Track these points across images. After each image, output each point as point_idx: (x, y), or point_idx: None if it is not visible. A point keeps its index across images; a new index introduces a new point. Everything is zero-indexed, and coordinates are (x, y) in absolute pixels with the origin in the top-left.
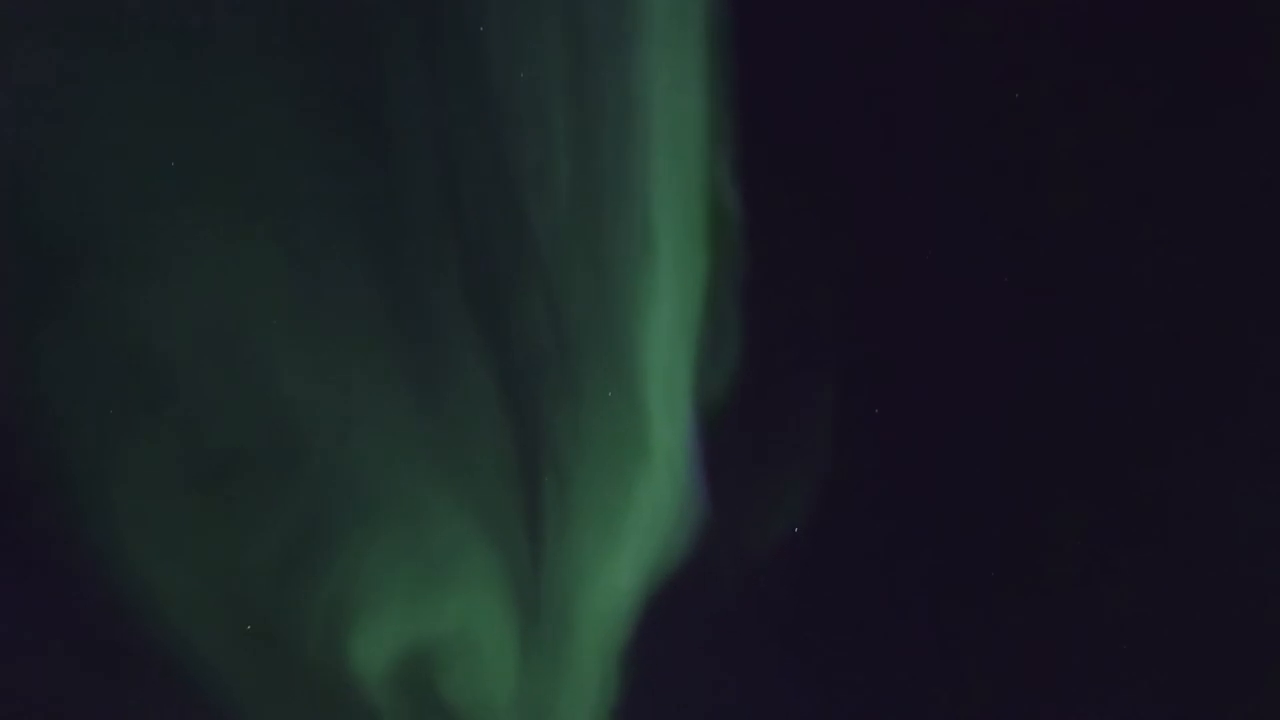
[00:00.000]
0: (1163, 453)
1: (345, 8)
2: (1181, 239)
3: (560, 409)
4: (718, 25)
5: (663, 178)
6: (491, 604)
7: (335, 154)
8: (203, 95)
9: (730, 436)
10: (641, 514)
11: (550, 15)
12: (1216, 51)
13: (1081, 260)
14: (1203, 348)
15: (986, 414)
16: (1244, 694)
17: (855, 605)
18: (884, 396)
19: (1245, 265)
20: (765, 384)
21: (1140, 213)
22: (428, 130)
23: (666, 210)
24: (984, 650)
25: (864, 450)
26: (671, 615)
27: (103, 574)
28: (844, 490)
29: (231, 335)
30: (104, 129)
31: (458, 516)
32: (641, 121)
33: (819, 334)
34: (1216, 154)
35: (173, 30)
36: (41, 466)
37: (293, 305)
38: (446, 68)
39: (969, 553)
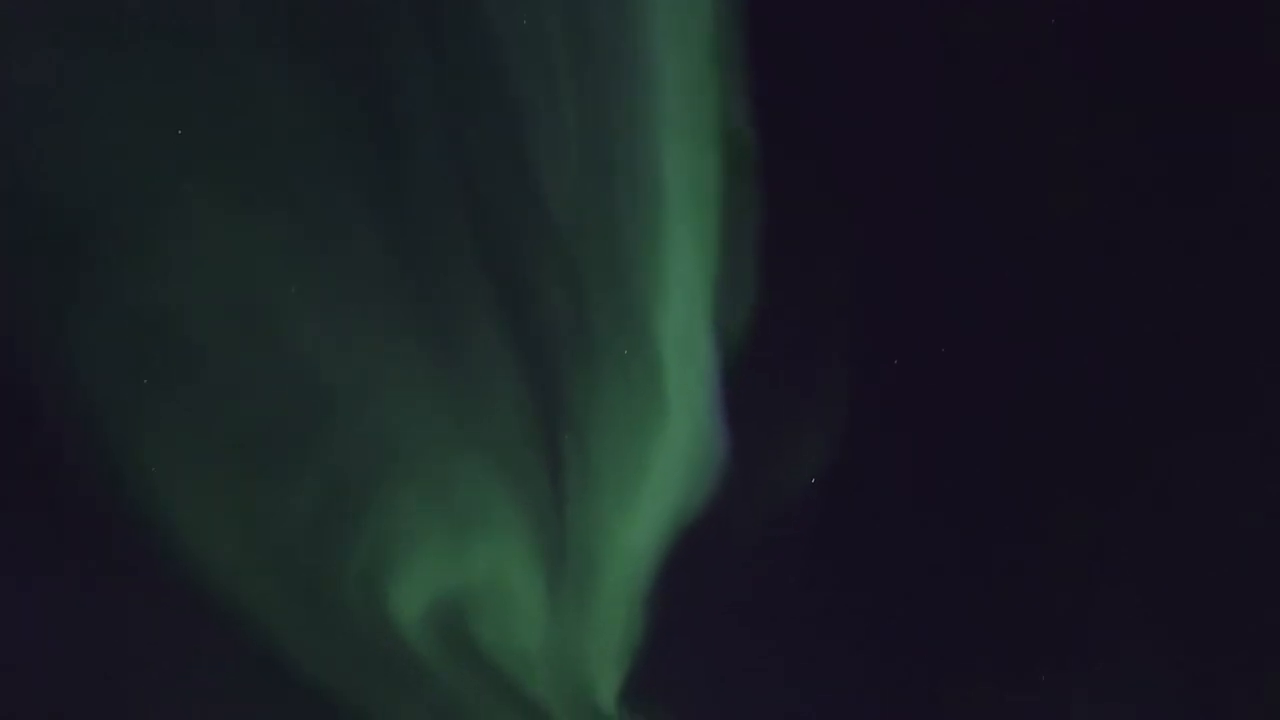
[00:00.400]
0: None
1: None
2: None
3: (576, 367)
4: None
5: (674, 128)
6: (518, 554)
7: (346, 127)
8: (219, 78)
9: (748, 387)
10: (661, 466)
11: None
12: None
13: (1103, 179)
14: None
15: (1010, 362)
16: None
17: (871, 553)
18: (901, 347)
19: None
20: (782, 336)
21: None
22: (435, 97)
23: (679, 162)
24: (1003, 598)
25: (881, 400)
26: (693, 561)
27: (148, 537)
28: (861, 440)
29: (258, 308)
30: (126, 113)
31: (481, 474)
32: (650, 72)
33: (836, 285)
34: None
35: (183, 19)
36: (82, 438)
37: (314, 278)
38: (449, 26)
39: (988, 500)
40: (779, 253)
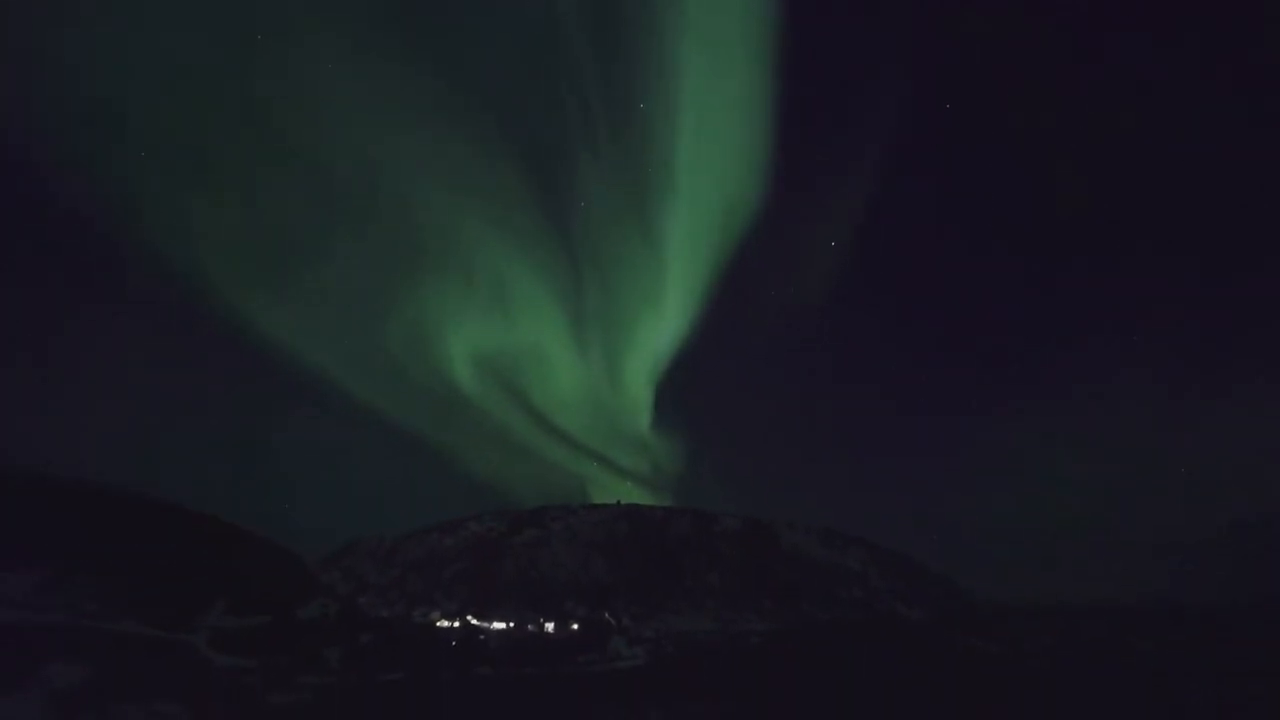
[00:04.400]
0: None
1: None
2: None
3: (589, 168)
4: None
5: None
6: (547, 323)
7: None
8: None
9: (779, 160)
10: (680, 241)
11: None
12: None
13: None
14: None
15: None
16: None
17: (881, 311)
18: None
19: None
20: (810, 114)
21: None
22: None
23: None
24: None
25: (899, 175)
26: (720, 315)
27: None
28: (877, 212)
29: (307, 117)
30: None
31: (511, 260)
32: None
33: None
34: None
35: None
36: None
37: (381, 106)
38: None
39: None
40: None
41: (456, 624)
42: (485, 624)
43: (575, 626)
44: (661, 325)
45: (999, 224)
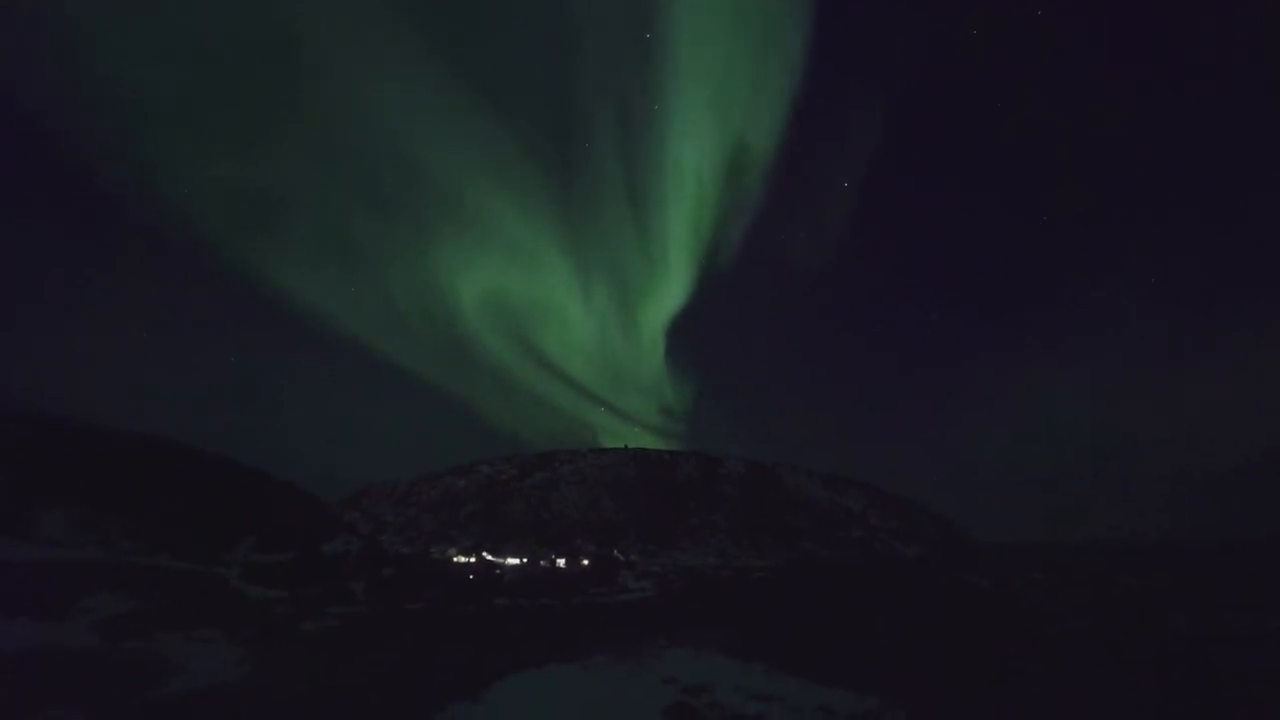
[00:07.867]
0: None
1: None
2: None
3: (591, 109)
4: None
5: None
6: (554, 273)
7: None
8: None
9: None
10: (681, 189)
11: None
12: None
13: None
14: None
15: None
16: None
17: (898, 236)
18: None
19: None
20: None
21: None
22: None
23: None
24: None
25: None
26: (728, 250)
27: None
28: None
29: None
30: None
31: (522, 217)
32: None
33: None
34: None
35: None
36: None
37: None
38: None
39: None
40: None
41: (473, 559)
42: (500, 560)
43: (585, 562)
44: (669, 275)
45: (1002, 172)
